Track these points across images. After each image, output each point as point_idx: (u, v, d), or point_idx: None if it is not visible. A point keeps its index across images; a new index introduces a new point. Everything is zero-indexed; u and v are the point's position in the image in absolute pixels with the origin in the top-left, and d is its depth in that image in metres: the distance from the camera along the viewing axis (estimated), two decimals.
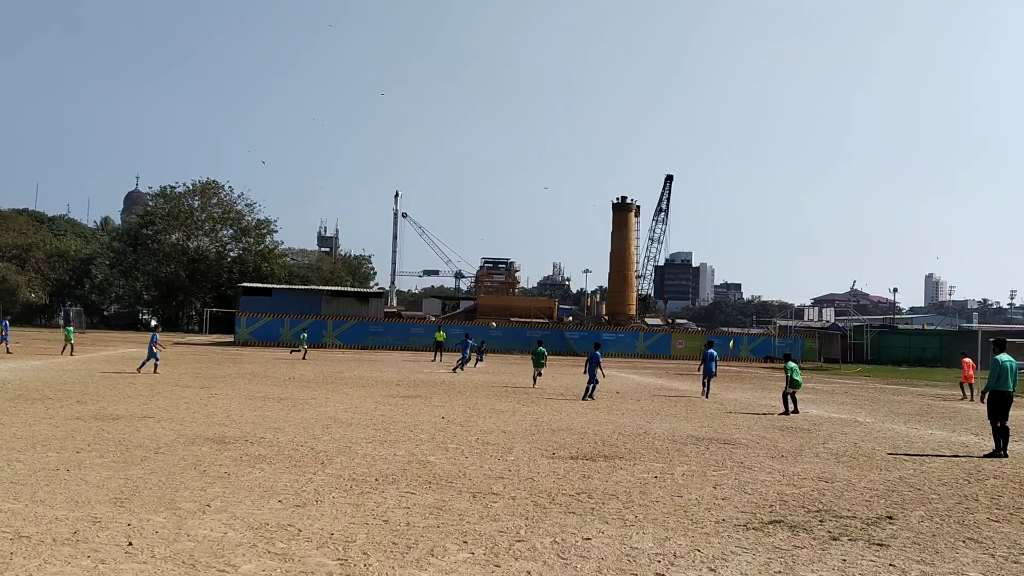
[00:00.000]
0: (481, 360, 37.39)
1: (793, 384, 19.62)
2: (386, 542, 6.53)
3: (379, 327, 60.42)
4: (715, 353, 24.68)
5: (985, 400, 13.50)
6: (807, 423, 17.39)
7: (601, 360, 22.69)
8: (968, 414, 20.86)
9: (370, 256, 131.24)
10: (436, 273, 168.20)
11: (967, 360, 27.59)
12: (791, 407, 19.46)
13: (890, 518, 8.03)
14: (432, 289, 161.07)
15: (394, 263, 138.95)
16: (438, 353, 44.23)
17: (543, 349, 27.44)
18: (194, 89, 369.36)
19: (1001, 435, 13.06)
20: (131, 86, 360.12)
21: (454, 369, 33.24)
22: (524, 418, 16.31)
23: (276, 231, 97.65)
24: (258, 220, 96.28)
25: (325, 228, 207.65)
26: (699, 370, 25.54)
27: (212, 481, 8.75)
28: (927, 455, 12.92)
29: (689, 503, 8.43)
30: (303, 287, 73.78)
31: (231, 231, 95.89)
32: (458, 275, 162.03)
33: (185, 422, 13.76)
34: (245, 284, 68.65)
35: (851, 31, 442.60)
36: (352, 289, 79.53)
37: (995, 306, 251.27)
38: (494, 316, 70.09)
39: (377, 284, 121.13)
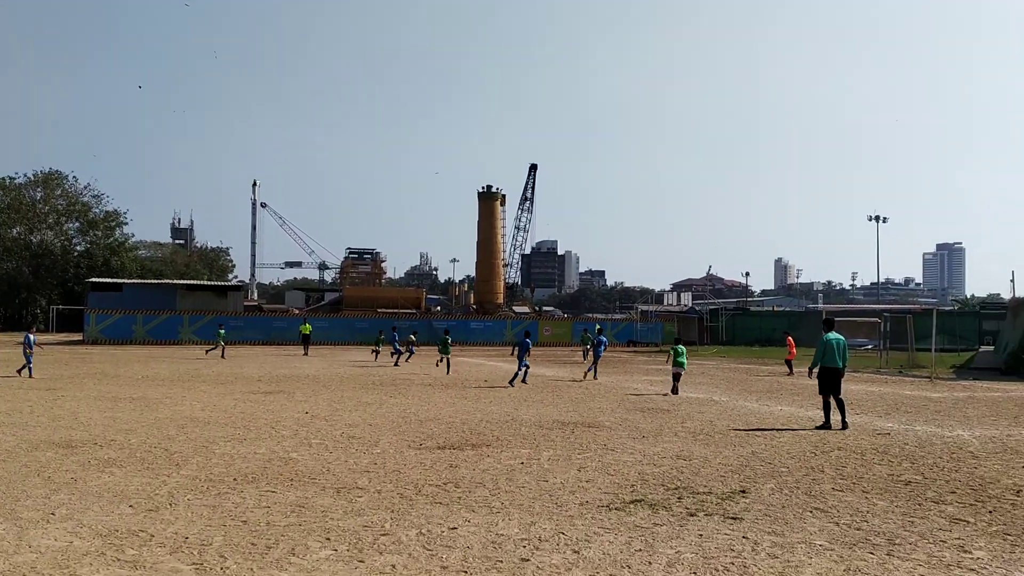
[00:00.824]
0: (412, 354, 36.20)
1: (676, 365, 20.79)
2: (245, 543, 6.31)
3: (239, 321, 58.47)
4: (605, 339, 27.17)
5: (814, 376, 14.34)
6: (667, 404, 17.95)
7: (531, 347, 23.80)
8: (804, 388, 22.01)
9: (228, 248, 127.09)
10: (299, 265, 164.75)
11: (791, 339, 31.00)
12: (674, 387, 20.57)
13: (743, 492, 8.37)
14: (295, 281, 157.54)
15: (254, 255, 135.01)
16: (305, 346, 43.49)
17: (448, 338, 29.38)
18: (40, 74, 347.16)
19: (839, 409, 13.87)
20: None
21: (396, 363, 33.37)
22: (391, 410, 16.15)
23: (126, 223, 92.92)
24: (106, 212, 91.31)
25: (179, 220, 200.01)
26: (585, 357, 27.54)
27: (57, 488, 8.25)
28: (777, 430, 13.57)
29: (555, 487, 8.54)
30: (156, 282, 70.69)
31: (77, 224, 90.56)
32: (322, 266, 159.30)
33: (28, 426, 12.93)
34: (94, 280, 65.00)
35: (707, 21, 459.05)
36: (209, 283, 76.71)
37: (838, 287, 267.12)
38: (360, 308, 69.19)
39: (236, 277, 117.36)
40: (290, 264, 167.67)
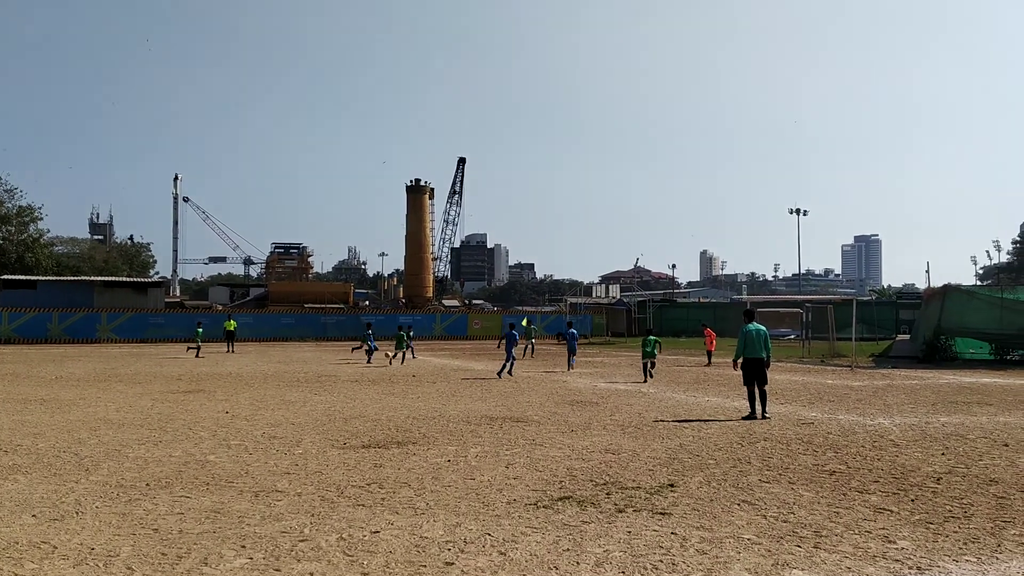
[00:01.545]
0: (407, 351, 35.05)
1: (646, 355, 22.34)
2: (154, 553, 5.98)
3: (160, 318, 56.89)
4: (576, 332, 28.30)
5: (739, 367, 14.48)
6: (595, 396, 17.94)
7: (517, 339, 24.55)
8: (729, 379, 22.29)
9: (149, 244, 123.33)
10: (223, 260, 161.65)
11: (708, 330, 31.47)
12: (647, 376, 22.14)
13: (672, 486, 8.32)
14: (219, 277, 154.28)
15: (176, 250, 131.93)
16: (230, 344, 42.48)
17: (403, 333, 31.28)
18: None
19: (761, 399, 14.02)
20: None
21: (368, 360, 31.51)
22: (315, 408, 15.77)
23: (41, 219, 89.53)
24: (19, 207, 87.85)
25: (98, 215, 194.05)
26: (527, 350, 31.04)
27: None
28: (704, 421, 13.63)
29: (481, 485, 8.36)
30: (72, 278, 68.28)
31: None
32: (247, 261, 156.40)
33: None
34: (5, 276, 62.52)
35: (631, 14, 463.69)
36: (128, 279, 74.43)
37: (761, 279, 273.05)
38: (286, 303, 68.02)
39: (158, 273, 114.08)
40: (214, 259, 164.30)
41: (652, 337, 22.73)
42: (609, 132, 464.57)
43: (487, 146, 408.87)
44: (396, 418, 14.06)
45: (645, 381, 21.59)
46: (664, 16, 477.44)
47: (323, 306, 69.21)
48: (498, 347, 24.59)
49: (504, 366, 23.67)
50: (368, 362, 30.67)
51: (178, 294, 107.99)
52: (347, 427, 12.91)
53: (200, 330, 38.48)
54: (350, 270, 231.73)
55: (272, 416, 14.40)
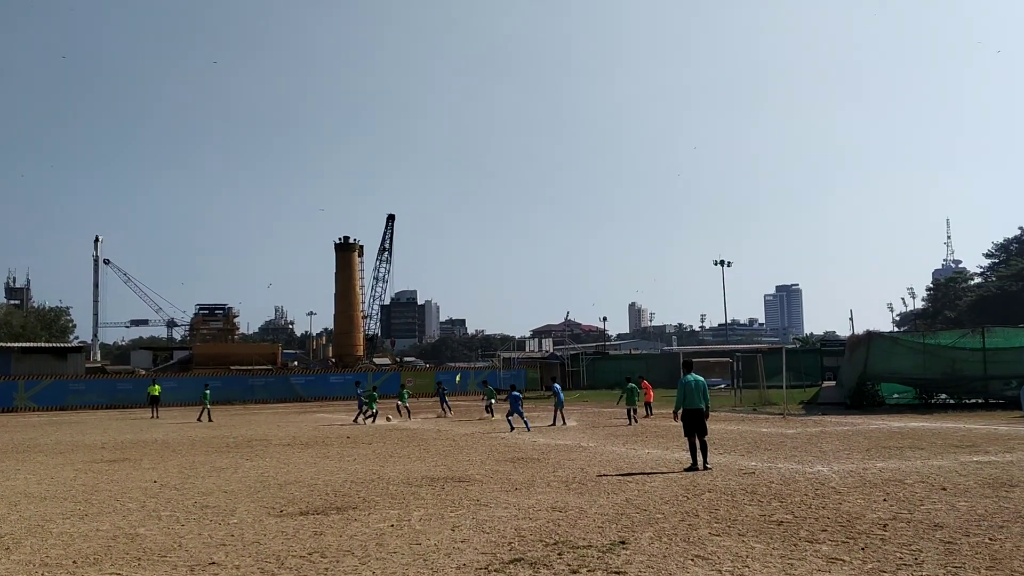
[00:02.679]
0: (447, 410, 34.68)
1: (629, 401, 25.89)
2: None
3: (80, 385, 54.90)
4: (558, 386, 29.10)
5: (679, 418, 14.51)
6: (536, 452, 17.75)
7: (521, 399, 25.63)
8: (668, 430, 22.39)
9: (68, 308, 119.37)
10: (146, 323, 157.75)
11: (646, 383, 31.25)
12: (631, 420, 25.90)
13: (623, 543, 8.18)
14: (141, 340, 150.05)
15: (96, 314, 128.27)
16: (154, 409, 41.04)
17: (363, 390, 31.96)
18: None
19: (702, 450, 14.04)
20: None
21: (355, 419, 31.34)
22: (248, 474, 15.22)
23: None
24: None
25: (14, 279, 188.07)
26: (488, 410, 31.06)
27: None
28: (647, 474, 13.56)
29: (428, 550, 8.09)
30: None
31: None
32: (171, 324, 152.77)
33: None
34: None
35: (552, 68, 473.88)
36: (47, 345, 71.81)
37: (689, 329, 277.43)
38: (212, 366, 66.38)
39: (77, 338, 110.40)
40: (136, 322, 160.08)
41: (631, 385, 26.03)
42: (535, 187, 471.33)
43: (416, 203, 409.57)
44: (334, 482, 13.65)
45: (630, 424, 25.33)
46: (586, 72, 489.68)
47: (250, 368, 67.71)
48: (507, 416, 25.03)
49: (523, 423, 24.36)
50: (355, 421, 31.10)
51: (99, 359, 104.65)
52: (283, 493, 12.47)
53: (208, 392, 36.81)
54: (277, 330, 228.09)
55: (203, 484, 13.84)
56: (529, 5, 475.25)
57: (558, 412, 26.86)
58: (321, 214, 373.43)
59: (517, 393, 25.54)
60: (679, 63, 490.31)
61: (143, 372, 65.06)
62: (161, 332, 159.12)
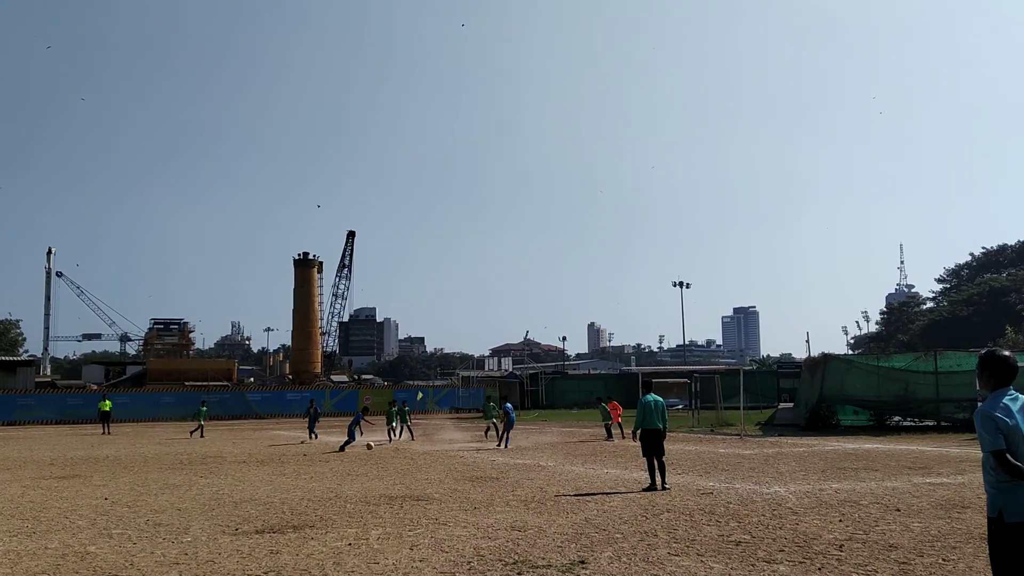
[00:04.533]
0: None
1: (606, 417, 27.59)
2: None
3: (29, 399, 53.69)
4: (509, 406, 27.44)
5: (637, 438, 14.56)
6: (494, 471, 17.68)
7: (512, 411, 25.84)
8: (626, 450, 22.47)
9: (18, 321, 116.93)
10: (98, 337, 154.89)
11: (615, 403, 30.46)
12: (609, 435, 27.38)
13: (583, 562, 8.16)
14: (94, 355, 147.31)
15: (47, 327, 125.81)
16: (105, 425, 40.19)
17: (394, 408, 30.37)
18: None
19: (660, 470, 14.09)
20: None
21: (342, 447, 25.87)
22: (202, 491, 14.96)
23: None
24: None
25: None
26: (492, 430, 28.70)
27: None
28: (606, 493, 13.56)
29: (387, 570, 8.00)
30: None
31: None
32: (124, 338, 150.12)
33: None
34: None
35: (518, 90, 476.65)
36: None
37: (647, 350, 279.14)
38: (166, 381, 65.35)
39: (27, 352, 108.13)
40: (88, 336, 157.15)
41: (603, 405, 28.01)
42: (496, 206, 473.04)
43: (376, 220, 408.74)
44: (290, 500, 13.47)
45: (612, 439, 26.89)
46: (546, 90, 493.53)
47: (205, 384, 66.75)
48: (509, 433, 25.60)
49: (503, 437, 25.09)
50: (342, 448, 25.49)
51: (49, 373, 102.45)
52: (238, 511, 12.27)
53: (204, 408, 36.09)
54: (233, 346, 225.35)
55: (156, 501, 13.57)
56: (494, 27, 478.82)
57: (506, 433, 25.44)
58: (274, 240, 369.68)
59: (509, 405, 26.64)
60: (643, 87, 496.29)
61: (95, 387, 63.83)
62: (114, 347, 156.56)
